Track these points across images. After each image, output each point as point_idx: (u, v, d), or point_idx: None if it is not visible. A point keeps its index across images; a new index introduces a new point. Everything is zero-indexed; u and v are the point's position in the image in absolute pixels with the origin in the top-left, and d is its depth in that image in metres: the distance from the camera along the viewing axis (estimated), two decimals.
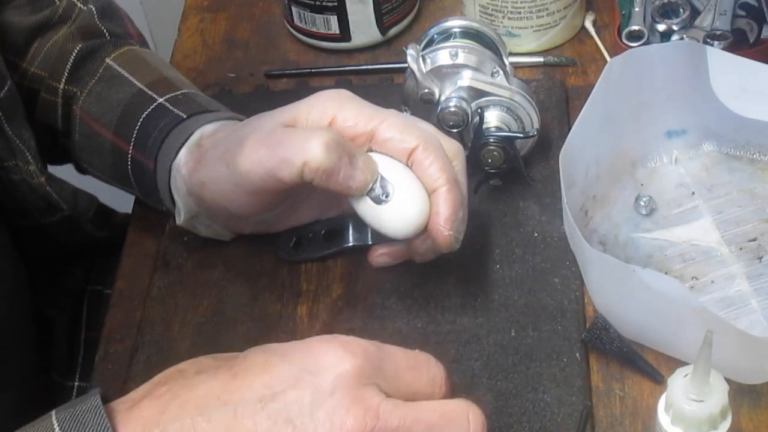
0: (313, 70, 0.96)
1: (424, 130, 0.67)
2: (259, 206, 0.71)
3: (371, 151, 0.67)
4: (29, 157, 0.77)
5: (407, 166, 0.67)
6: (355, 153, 0.65)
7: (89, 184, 0.89)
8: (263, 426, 0.53)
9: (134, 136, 0.77)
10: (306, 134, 0.66)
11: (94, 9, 0.85)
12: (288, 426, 0.53)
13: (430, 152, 0.66)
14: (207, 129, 0.74)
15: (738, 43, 0.86)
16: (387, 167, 0.67)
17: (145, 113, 0.77)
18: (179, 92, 0.78)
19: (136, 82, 0.79)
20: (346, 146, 0.65)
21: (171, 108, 0.77)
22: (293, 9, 0.95)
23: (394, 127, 0.66)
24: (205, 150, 0.72)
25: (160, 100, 0.77)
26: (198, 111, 0.76)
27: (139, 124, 0.77)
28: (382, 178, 0.66)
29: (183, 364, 0.57)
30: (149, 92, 0.78)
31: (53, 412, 0.55)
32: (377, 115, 0.67)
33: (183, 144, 0.74)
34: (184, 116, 0.76)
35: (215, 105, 0.79)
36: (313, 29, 0.96)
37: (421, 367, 0.57)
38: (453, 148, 0.69)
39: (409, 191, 0.66)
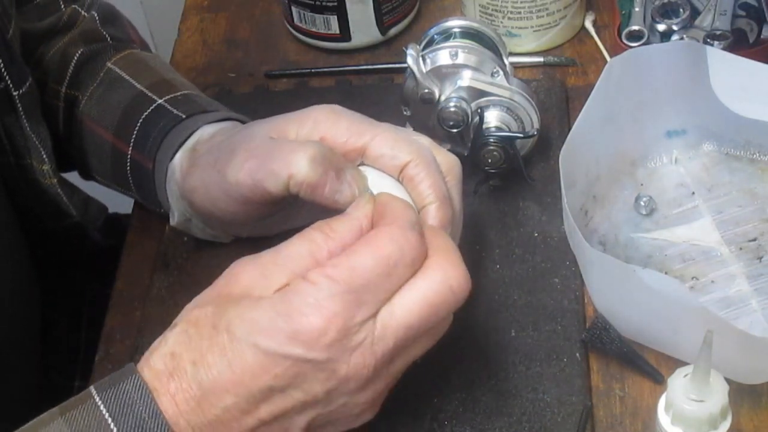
0: (313, 70, 0.96)
1: (417, 145, 0.66)
2: (249, 215, 0.71)
3: (363, 165, 0.67)
4: (44, 156, 0.77)
5: (399, 181, 0.66)
6: (344, 167, 0.64)
7: (100, 194, 0.89)
8: (280, 399, 0.56)
9: (134, 137, 0.77)
10: (293, 147, 0.65)
11: (96, 15, 0.85)
12: (299, 393, 0.56)
13: (421, 168, 0.64)
14: (205, 132, 0.74)
15: (738, 43, 0.86)
16: (377, 183, 0.66)
17: (145, 114, 0.77)
18: (179, 93, 0.79)
19: (136, 84, 0.80)
20: (334, 160, 0.64)
21: (170, 108, 0.77)
22: (293, 9, 0.95)
23: (386, 142, 0.65)
24: (199, 155, 0.72)
25: (160, 101, 0.77)
26: (197, 111, 0.76)
27: (138, 125, 0.77)
28: (371, 194, 0.66)
29: (171, 344, 0.57)
30: (149, 94, 0.78)
31: (93, 391, 0.56)
32: (369, 130, 0.66)
33: (181, 145, 0.74)
34: (183, 116, 0.76)
35: (215, 105, 0.79)
36: (313, 29, 0.96)
37: (396, 266, 0.57)
38: (448, 162, 0.67)
39: None
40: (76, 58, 0.82)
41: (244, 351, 0.55)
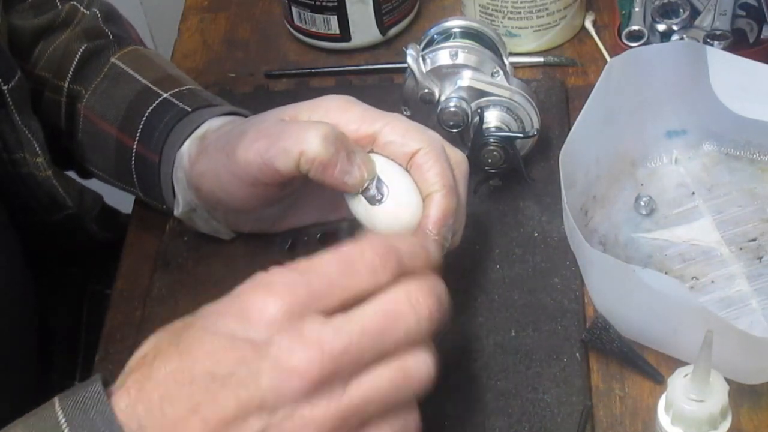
0: (313, 70, 0.96)
1: (427, 135, 0.66)
2: (257, 199, 0.71)
3: (372, 152, 0.67)
4: (37, 149, 0.77)
5: (406, 170, 0.67)
6: (354, 150, 0.65)
7: (95, 184, 0.89)
8: (223, 395, 0.52)
9: (139, 130, 0.77)
10: (305, 125, 0.66)
11: (98, 12, 0.85)
12: (241, 388, 0.52)
13: (430, 157, 0.65)
14: (213, 123, 0.75)
15: (738, 43, 0.86)
16: (385, 169, 0.67)
17: (151, 108, 0.77)
18: (184, 88, 0.79)
19: (141, 79, 0.80)
20: (345, 141, 0.65)
21: (176, 102, 0.77)
22: (293, 9, 0.95)
23: (397, 130, 0.66)
24: (208, 143, 0.73)
25: (165, 95, 0.78)
26: (203, 105, 0.77)
27: (144, 118, 0.77)
28: (379, 179, 0.66)
29: (145, 347, 0.56)
30: (154, 88, 0.79)
31: (56, 399, 0.55)
32: (381, 118, 0.67)
33: (189, 135, 0.75)
34: (189, 109, 0.76)
35: (219, 100, 0.79)
36: (313, 29, 0.96)
37: (354, 265, 0.54)
38: (457, 157, 0.68)
39: (404, 195, 0.66)
40: (79, 53, 0.82)
41: (193, 336, 0.54)
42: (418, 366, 0.55)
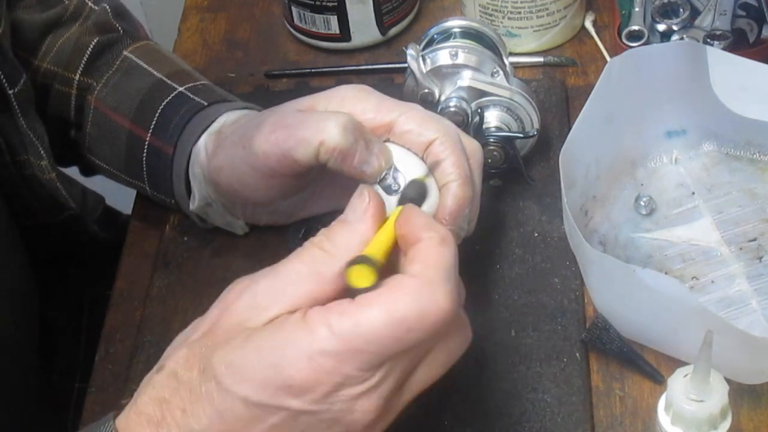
0: (313, 70, 0.96)
1: (444, 124, 0.67)
2: (275, 191, 0.72)
3: (388, 141, 0.67)
4: (42, 152, 0.77)
5: (422, 159, 0.67)
6: (372, 139, 0.65)
7: (97, 185, 0.89)
8: None
9: (153, 123, 0.77)
10: (324, 115, 0.66)
11: (108, 8, 0.86)
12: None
13: (446, 146, 0.65)
14: (229, 117, 0.75)
15: (738, 43, 0.86)
16: (401, 158, 0.67)
17: (166, 101, 0.78)
18: (199, 83, 0.80)
19: (155, 72, 0.80)
20: (363, 131, 0.65)
21: (192, 96, 0.77)
22: (293, 9, 0.95)
23: (413, 119, 0.66)
24: (224, 137, 0.73)
25: (181, 88, 0.78)
26: (218, 100, 0.78)
27: (159, 111, 0.77)
28: (395, 169, 0.66)
29: (165, 390, 0.53)
30: (169, 82, 0.79)
31: None
32: (397, 108, 0.67)
33: (205, 129, 0.75)
34: (205, 103, 0.77)
35: (232, 97, 0.80)
36: (313, 29, 0.96)
37: (404, 324, 0.51)
38: (472, 146, 0.68)
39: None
40: (91, 46, 0.82)
41: (233, 403, 0.52)
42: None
